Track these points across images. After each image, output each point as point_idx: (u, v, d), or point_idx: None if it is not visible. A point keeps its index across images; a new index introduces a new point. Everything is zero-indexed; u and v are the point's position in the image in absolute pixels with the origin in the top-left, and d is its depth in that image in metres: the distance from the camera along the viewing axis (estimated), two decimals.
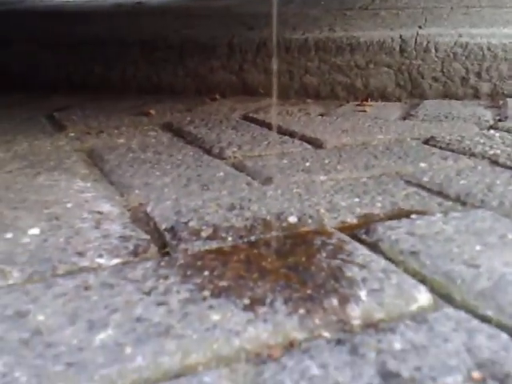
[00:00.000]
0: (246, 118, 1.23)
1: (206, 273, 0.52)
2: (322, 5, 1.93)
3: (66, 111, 1.33)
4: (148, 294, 0.49)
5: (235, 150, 0.96)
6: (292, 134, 1.06)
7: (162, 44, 1.54)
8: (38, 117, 1.28)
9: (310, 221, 0.65)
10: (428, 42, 1.35)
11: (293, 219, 0.66)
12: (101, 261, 0.56)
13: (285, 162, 0.89)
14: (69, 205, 0.71)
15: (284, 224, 0.64)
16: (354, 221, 0.65)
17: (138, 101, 1.42)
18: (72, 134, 1.12)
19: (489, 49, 1.31)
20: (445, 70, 1.34)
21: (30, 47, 1.63)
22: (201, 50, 1.50)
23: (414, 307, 0.47)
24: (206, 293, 0.49)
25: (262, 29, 1.54)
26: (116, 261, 0.56)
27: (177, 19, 1.81)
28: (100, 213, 0.69)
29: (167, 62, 1.52)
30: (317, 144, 0.99)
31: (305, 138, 1.03)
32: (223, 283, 0.50)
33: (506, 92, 1.30)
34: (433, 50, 1.35)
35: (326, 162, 0.88)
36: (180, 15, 1.90)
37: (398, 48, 1.37)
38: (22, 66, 1.63)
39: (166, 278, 0.52)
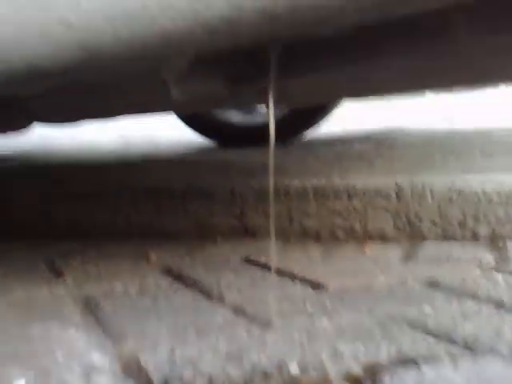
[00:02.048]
0: (246, 260, 1.23)
1: None
2: (318, 155, 2.04)
3: (66, 257, 1.33)
4: None
5: (235, 293, 0.94)
6: (292, 277, 1.05)
7: (166, 191, 1.59)
8: (38, 263, 1.28)
9: (312, 370, 0.61)
10: (423, 188, 1.39)
11: (294, 369, 0.62)
12: None
13: (285, 305, 0.87)
14: (59, 354, 0.68)
15: (285, 374, 0.61)
16: (359, 369, 0.61)
17: (140, 246, 1.43)
18: (70, 281, 1.11)
19: (484, 194, 1.35)
20: (442, 214, 1.37)
21: (38, 195, 1.69)
22: (203, 197, 1.55)
23: None
24: None
25: (262, 176, 1.60)
26: None
27: (182, 168, 1.90)
28: (91, 364, 0.65)
29: (170, 207, 1.56)
30: (318, 286, 0.98)
31: (305, 281, 1.02)
32: None
33: (505, 235, 1.31)
34: (429, 196, 1.38)
35: (328, 305, 0.86)
36: (185, 165, 2.00)
37: (394, 194, 1.41)
38: (28, 212, 1.67)
39: None
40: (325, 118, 2.56)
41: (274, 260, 0.90)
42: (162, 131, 3.24)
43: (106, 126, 3.04)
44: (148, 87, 1.01)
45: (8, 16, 0.49)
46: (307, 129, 2.58)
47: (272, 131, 0.79)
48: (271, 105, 0.78)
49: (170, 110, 1.49)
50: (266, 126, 0.84)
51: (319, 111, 2.49)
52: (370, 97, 2.09)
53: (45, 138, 3.13)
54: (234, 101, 1.39)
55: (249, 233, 1.51)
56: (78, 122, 1.55)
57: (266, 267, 1.15)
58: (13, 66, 0.53)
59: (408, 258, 1.21)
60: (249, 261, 1.23)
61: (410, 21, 0.63)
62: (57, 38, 0.50)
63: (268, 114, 0.82)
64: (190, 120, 2.58)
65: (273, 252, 0.87)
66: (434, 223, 1.36)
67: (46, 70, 0.54)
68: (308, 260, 1.22)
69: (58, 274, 1.18)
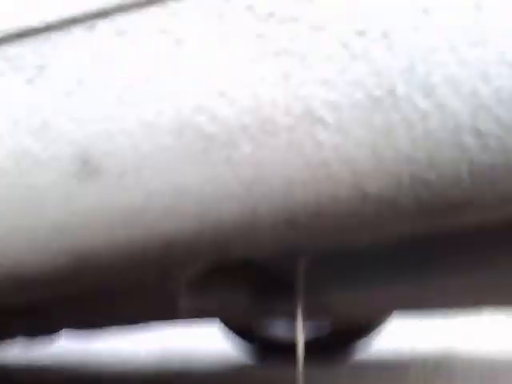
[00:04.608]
0: None
1: None
2: (369, 380, 1.83)
3: None
4: None
5: None
6: None
7: None
8: None
9: None
10: None
11: None
12: None
13: None
14: None
15: None
16: None
17: None
18: None
19: None
20: None
21: None
22: None
23: None
24: None
25: None
26: None
27: None
28: None
29: None
30: None
31: None
32: None
33: None
34: None
35: None
36: None
37: None
38: None
39: None
40: (373, 333, 2.38)
41: None
42: (201, 341, 3.09)
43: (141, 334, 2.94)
44: (154, 298, 0.93)
45: None
46: (355, 345, 2.39)
47: (300, 354, 0.70)
48: (300, 324, 0.69)
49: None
50: (310, 342, 0.73)
51: (367, 326, 2.33)
52: (421, 313, 1.94)
53: (77, 344, 3.03)
54: (261, 314, 1.26)
55: None
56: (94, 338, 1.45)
57: None
58: None
59: None
60: None
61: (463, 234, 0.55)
62: (46, 244, 0.44)
63: (300, 331, 0.72)
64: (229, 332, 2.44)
65: None
66: None
67: (33, 279, 0.48)
68: None
69: None
